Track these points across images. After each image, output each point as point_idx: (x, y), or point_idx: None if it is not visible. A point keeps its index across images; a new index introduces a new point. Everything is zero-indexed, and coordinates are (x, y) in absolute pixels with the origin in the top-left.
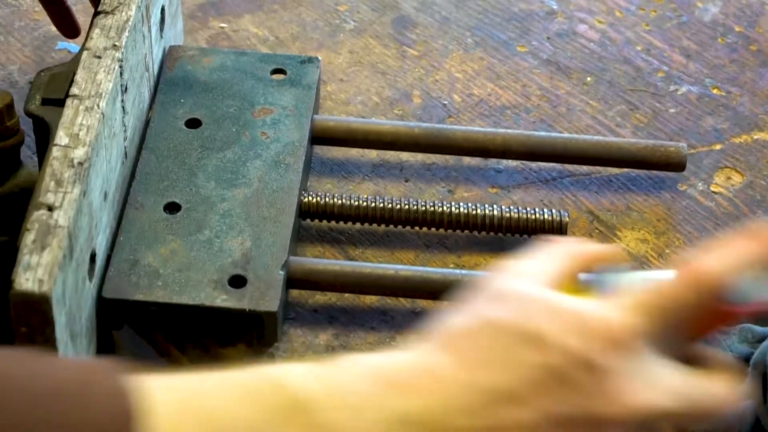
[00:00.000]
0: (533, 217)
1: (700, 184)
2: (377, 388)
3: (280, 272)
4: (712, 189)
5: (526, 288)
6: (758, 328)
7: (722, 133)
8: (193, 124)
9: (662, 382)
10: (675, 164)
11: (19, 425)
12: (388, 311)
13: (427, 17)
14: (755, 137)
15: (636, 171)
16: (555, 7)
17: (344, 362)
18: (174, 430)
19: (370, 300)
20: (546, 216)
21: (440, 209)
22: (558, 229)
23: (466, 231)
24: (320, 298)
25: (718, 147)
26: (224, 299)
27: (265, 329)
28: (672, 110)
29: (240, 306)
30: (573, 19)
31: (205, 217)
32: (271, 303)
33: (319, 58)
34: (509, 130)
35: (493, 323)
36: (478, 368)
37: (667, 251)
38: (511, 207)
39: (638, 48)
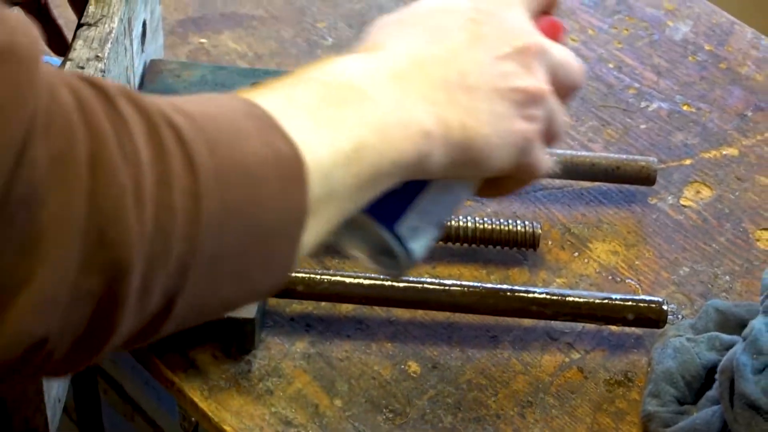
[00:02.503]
0: (506, 228)
1: (670, 197)
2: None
3: None
4: (681, 203)
5: None
6: (725, 336)
7: (692, 148)
8: None
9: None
10: (645, 178)
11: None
12: (364, 320)
13: None
14: (724, 152)
15: (607, 185)
16: None
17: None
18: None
19: (346, 309)
20: (519, 227)
21: None
22: (530, 240)
23: (440, 242)
24: (297, 306)
25: (687, 162)
26: None
27: (244, 336)
28: (643, 126)
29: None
30: None
31: None
32: (249, 310)
33: None
34: None
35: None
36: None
37: (637, 263)
38: (485, 218)
39: (610, 65)
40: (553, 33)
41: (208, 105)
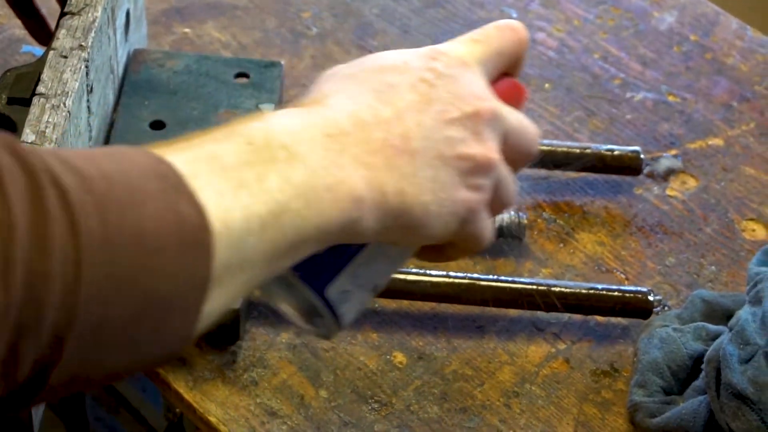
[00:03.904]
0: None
1: (655, 188)
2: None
3: None
4: (667, 193)
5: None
6: (711, 327)
7: (678, 138)
8: (158, 126)
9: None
10: (631, 168)
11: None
12: None
13: (389, 25)
14: (710, 143)
15: (593, 175)
16: (514, 15)
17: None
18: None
19: None
20: (504, 217)
21: None
22: (516, 230)
23: None
24: None
25: (673, 152)
26: None
27: (228, 327)
28: (628, 116)
29: None
30: (532, 27)
31: None
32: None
33: (282, 62)
34: None
35: (368, 67)
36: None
37: (623, 253)
38: None
39: (595, 56)
40: (513, 96)
41: (107, 162)
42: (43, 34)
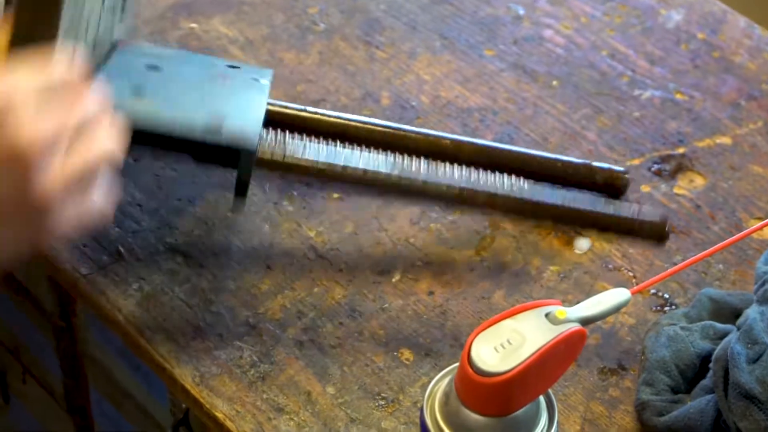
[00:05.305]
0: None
1: (663, 186)
2: None
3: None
4: (675, 191)
5: None
6: (719, 325)
7: (685, 136)
8: (155, 68)
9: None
10: (615, 188)
11: None
12: (356, 307)
13: (396, 20)
14: (717, 141)
15: None
16: (521, 12)
17: None
18: None
19: (339, 295)
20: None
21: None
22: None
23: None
24: (289, 293)
25: (681, 150)
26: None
27: (241, 166)
28: (636, 114)
29: (217, 140)
30: (539, 24)
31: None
32: (249, 142)
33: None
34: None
35: None
36: None
37: (630, 251)
38: None
39: (603, 53)
40: None
41: None
42: None
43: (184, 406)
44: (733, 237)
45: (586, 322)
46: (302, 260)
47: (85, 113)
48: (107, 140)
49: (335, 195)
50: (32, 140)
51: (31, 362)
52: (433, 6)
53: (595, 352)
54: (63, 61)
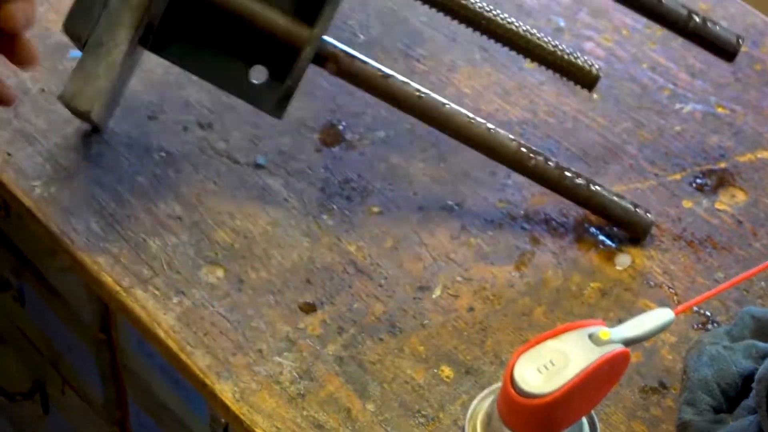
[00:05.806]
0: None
1: (704, 201)
2: None
3: None
4: (716, 207)
5: None
6: (762, 344)
7: (727, 151)
8: None
9: None
10: (639, 232)
11: None
12: (396, 323)
13: (436, 32)
14: (759, 156)
15: (643, 188)
16: (562, 24)
17: None
18: None
19: (379, 311)
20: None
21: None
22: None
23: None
24: (329, 308)
25: (722, 165)
26: None
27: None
28: (677, 128)
29: None
30: (580, 36)
31: None
32: None
33: None
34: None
35: None
36: None
37: (672, 267)
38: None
39: (644, 66)
40: None
41: None
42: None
43: (223, 421)
44: None
45: (629, 343)
46: (342, 275)
47: None
48: None
49: (375, 209)
50: None
51: (71, 373)
52: None
53: (636, 371)
54: None
